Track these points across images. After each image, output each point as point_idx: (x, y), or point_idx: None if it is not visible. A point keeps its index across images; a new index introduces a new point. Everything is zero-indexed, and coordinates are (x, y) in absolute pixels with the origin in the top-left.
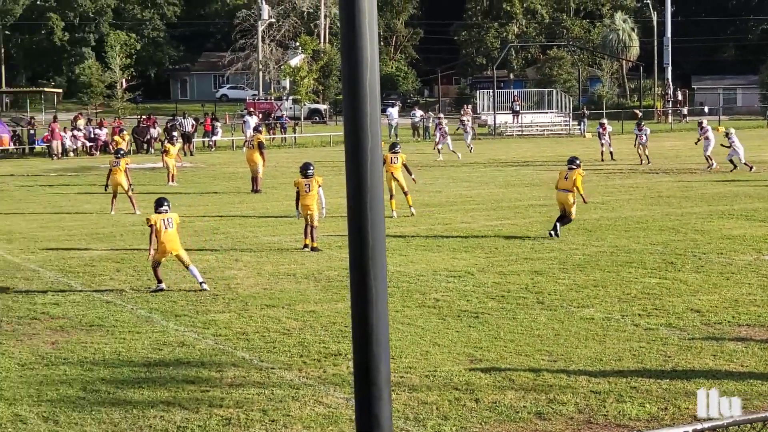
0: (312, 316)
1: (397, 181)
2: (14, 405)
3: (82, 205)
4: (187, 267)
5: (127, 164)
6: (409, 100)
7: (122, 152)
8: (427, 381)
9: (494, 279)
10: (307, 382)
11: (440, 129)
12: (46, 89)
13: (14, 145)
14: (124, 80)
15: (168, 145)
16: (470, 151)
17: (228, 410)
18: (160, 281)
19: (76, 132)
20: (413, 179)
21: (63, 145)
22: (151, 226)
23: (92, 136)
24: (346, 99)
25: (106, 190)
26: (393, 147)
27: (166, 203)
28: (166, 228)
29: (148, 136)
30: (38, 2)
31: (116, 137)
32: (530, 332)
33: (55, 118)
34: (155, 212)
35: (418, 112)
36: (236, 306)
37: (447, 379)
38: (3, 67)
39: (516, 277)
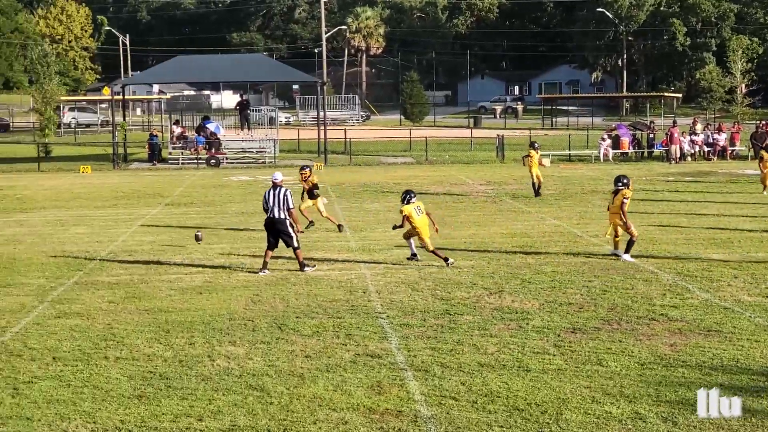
0: None
1: None
2: (634, 403)
3: (699, 210)
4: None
5: None
6: None
7: None
8: None
9: None
10: None
11: None
12: (665, 94)
13: (633, 148)
14: (743, 85)
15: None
16: None
17: None
18: (414, 254)
19: (693, 137)
20: None
21: (681, 149)
22: (404, 216)
23: (710, 141)
24: None
25: None
26: None
27: (413, 195)
28: (418, 215)
29: (767, 142)
30: (662, 8)
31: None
32: None
33: (674, 122)
34: (406, 204)
35: None
36: None
37: None
38: (625, 72)
39: None
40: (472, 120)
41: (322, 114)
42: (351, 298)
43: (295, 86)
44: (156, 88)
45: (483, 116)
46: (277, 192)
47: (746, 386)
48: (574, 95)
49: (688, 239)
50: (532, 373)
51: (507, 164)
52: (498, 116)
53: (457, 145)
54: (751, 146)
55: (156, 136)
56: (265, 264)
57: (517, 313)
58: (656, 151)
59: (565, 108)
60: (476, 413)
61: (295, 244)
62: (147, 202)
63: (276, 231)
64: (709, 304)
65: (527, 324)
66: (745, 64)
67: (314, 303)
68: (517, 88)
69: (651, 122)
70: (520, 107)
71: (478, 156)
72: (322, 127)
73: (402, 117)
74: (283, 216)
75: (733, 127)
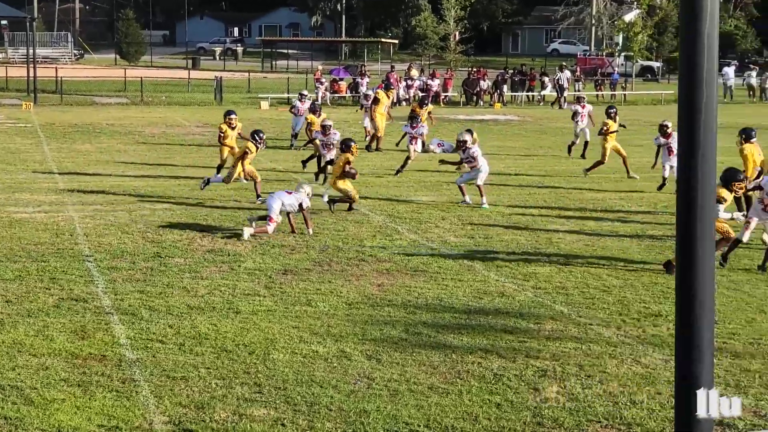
0: (633, 275)
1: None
2: (341, 341)
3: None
4: None
5: None
6: (747, 60)
7: None
8: (750, 349)
9: None
10: (625, 340)
11: None
12: (382, 40)
13: (351, 92)
14: (457, 33)
15: None
16: None
17: (544, 362)
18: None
19: (409, 82)
20: None
21: (397, 94)
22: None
23: (425, 86)
24: (683, 50)
25: None
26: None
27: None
28: None
29: (478, 89)
30: None
31: None
32: None
33: (392, 68)
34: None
35: (754, 72)
36: (557, 260)
37: None
38: (344, 17)
39: None
40: (190, 61)
41: (31, 51)
42: (57, 241)
43: (3, 21)
44: None
45: (202, 57)
46: None
47: (448, 324)
48: (294, 38)
49: (399, 182)
50: (241, 314)
51: (225, 106)
52: (217, 58)
53: (174, 86)
54: (463, 92)
55: None
56: None
57: (229, 255)
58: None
59: (285, 51)
60: (183, 355)
61: None
62: None
63: None
64: (416, 245)
65: (239, 266)
66: (458, 12)
67: (17, 246)
68: (236, 29)
69: (362, 65)
70: (239, 49)
71: (196, 98)
72: (32, 66)
73: (117, 56)
74: None
75: (447, 74)
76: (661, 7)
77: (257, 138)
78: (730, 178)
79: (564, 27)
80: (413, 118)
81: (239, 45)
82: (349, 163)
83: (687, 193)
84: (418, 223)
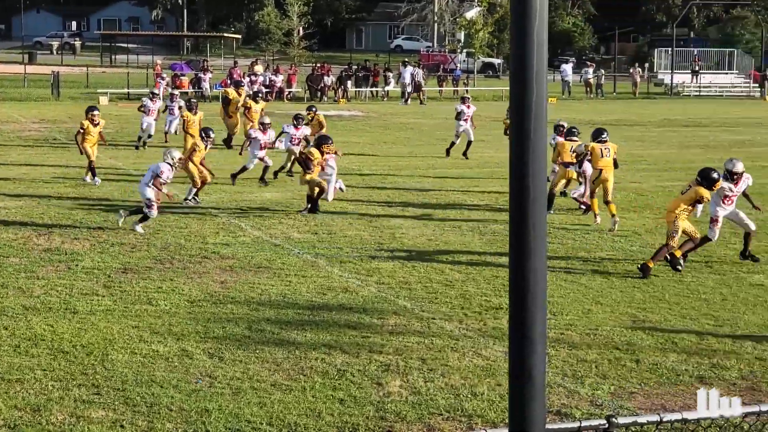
0: (475, 268)
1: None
2: (182, 340)
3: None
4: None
5: None
6: (584, 57)
7: None
8: (587, 339)
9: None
10: (467, 333)
11: None
12: (225, 35)
13: (193, 88)
14: (301, 28)
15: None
16: None
17: (387, 356)
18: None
19: (253, 77)
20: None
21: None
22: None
23: (268, 82)
24: (514, 49)
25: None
26: (600, 134)
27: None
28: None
29: (322, 85)
30: None
31: None
32: (696, 296)
33: (235, 63)
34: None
35: (590, 69)
36: (400, 255)
37: (608, 338)
38: (185, 12)
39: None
40: (26, 56)
41: None
42: None
43: None
44: None
45: (38, 52)
46: None
47: (292, 320)
48: (134, 32)
49: (243, 179)
50: (79, 315)
51: (63, 102)
52: (54, 52)
53: (10, 82)
54: (307, 88)
55: None
56: None
57: (67, 254)
58: (215, 91)
59: (125, 45)
60: (18, 357)
61: None
62: None
63: None
64: (260, 242)
65: (77, 265)
66: (302, 7)
67: None
68: (74, 23)
69: (204, 60)
70: (77, 43)
71: (33, 93)
72: None
73: None
74: None
75: (291, 69)
76: (501, 5)
77: (204, 135)
78: (712, 178)
79: (407, 23)
80: (298, 117)
81: (77, 39)
82: (310, 156)
83: (519, 189)
84: (261, 220)
